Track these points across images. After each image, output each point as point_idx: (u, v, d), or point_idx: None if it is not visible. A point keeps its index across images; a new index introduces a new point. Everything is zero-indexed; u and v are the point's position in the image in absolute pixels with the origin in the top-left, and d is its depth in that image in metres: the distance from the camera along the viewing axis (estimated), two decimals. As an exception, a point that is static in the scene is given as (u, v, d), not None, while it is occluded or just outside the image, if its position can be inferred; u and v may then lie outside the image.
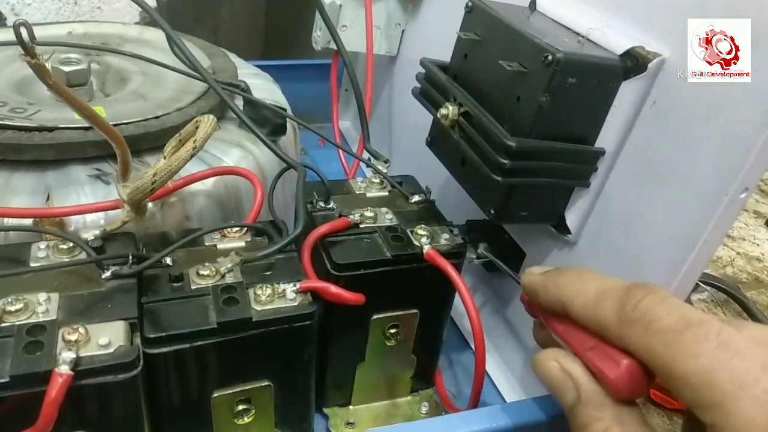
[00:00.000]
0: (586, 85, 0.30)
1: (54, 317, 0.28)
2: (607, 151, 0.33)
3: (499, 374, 0.45)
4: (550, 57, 0.29)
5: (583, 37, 0.32)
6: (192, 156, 0.31)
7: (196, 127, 0.33)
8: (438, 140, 0.39)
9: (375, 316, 0.37)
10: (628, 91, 0.31)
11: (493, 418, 0.28)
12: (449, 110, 0.34)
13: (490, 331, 0.48)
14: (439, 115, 0.35)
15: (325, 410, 0.40)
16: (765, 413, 0.20)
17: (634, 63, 0.30)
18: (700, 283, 0.61)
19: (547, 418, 0.30)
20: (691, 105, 0.29)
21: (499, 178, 0.31)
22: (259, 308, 0.30)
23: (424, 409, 0.42)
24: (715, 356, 0.21)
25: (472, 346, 0.43)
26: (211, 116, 0.32)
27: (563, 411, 0.26)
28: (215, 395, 0.31)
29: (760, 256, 0.69)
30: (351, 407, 0.41)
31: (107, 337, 0.27)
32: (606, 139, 0.32)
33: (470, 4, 0.36)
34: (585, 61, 0.30)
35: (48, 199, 0.35)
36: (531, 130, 0.31)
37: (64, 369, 0.25)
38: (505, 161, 0.30)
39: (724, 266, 0.67)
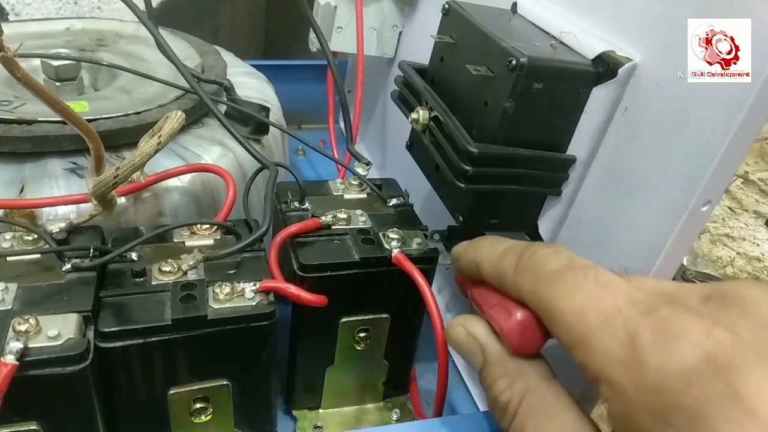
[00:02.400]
0: (554, 90, 0.29)
1: (9, 307, 0.28)
2: (578, 159, 0.32)
3: (475, 382, 0.44)
4: (514, 61, 0.28)
5: (557, 40, 0.31)
6: (156, 151, 0.31)
7: (167, 123, 0.33)
8: (415, 145, 0.39)
9: (343, 319, 0.37)
10: (599, 97, 0.30)
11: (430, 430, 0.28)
12: (420, 115, 0.33)
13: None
14: (410, 120, 0.34)
15: (294, 412, 0.40)
16: (622, 345, 0.19)
17: (604, 68, 0.29)
18: (700, 284, 0.59)
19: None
20: (661, 112, 0.28)
21: (462, 185, 0.30)
22: (216, 306, 0.30)
23: (395, 416, 0.41)
24: (589, 293, 0.21)
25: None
26: (179, 112, 0.32)
27: None
28: (172, 392, 0.31)
29: (760, 256, 0.68)
30: (320, 411, 0.40)
31: (57, 329, 0.27)
32: (578, 146, 0.31)
33: (446, 6, 0.35)
34: (551, 66, 0.29)
35: (22, 191, 0.35)
36: (497, 135, 0.30)
37: (9, 359, 0.25)
38: (467, 168, 0.29)
39: (724, 266, 0.66)
